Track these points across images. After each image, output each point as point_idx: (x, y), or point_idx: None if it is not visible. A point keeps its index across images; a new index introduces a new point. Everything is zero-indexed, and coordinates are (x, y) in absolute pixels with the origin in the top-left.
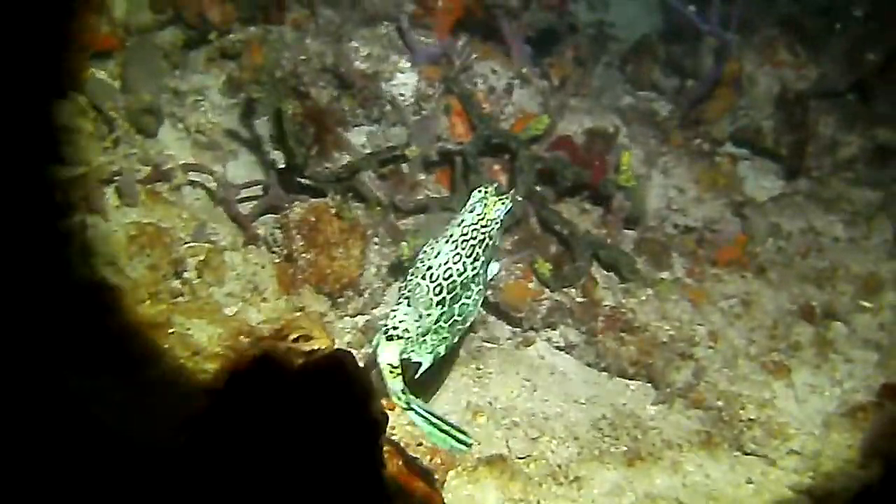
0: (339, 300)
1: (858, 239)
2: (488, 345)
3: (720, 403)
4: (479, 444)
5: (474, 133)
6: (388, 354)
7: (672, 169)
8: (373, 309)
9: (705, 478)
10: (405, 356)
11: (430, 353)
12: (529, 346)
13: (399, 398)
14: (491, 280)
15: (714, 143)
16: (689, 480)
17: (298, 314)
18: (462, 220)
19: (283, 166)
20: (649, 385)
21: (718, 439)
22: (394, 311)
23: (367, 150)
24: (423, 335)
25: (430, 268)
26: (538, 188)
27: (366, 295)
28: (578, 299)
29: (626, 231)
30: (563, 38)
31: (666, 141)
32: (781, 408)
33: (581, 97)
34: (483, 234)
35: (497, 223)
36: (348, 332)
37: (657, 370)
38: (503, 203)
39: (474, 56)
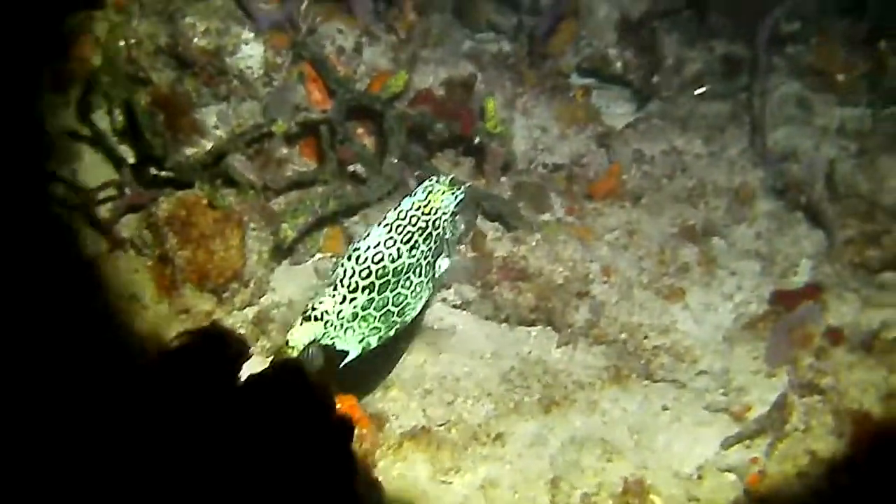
0: (225, 294)
1: (718, 153)
2: None
3: (623, 336)
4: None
5: (335, 98)
6: (298, 333)
7: (532, 109)
8: (260, 298)
9: (623, 412)
10: (328, 342)
11: (360, 342)
12: (426, 309)
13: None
14: (439, 276)
15: (564, 77)
16: (608, 417)
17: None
18: (400, 205)
19: (136, 160)
20: (550, 329)
21: (627, 371)
22: (317, 293)
23: (219, 130)
24: (349, 321)
25: (356, 249)
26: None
27: (252, 285)
28: (469, 254)
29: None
30: None
31: (521, 82)
32: (683, 331)
33: (429, 47)
34: (425, 222)
35: (445, 214)
36: (240, 327)
37: (557, 313)
38: (452, 193)
39: (318, 18)
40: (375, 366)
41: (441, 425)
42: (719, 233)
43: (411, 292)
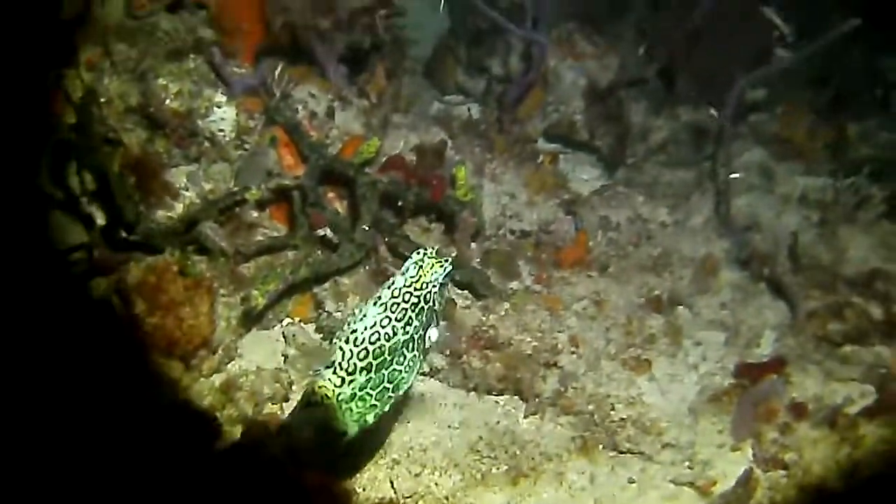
0: (193, 361)
1: (682, 221)
2: None
3: (591, 407)
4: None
5: (308, 164)
6: (305, 416)
7: (501, 175)
8: (228, 364)
9: (590, 483)
10: (326, 423)
11: (356, 420)
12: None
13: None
14: (429, 347)
15: (532, 143)
16: (575, 488)
17: None
18: (393, 282)
19: (106, 223)
20: (518, 398)
21: (594, 443)
22: (316, 374)
23: (189, 192)
24: (347, 402)
25: (354, 331)
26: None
27: (220, 351)
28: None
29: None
30: (371, 52)
31: (490, 148)
32: (649, 402)
33: (401, 112)
34: (417, 297)
35: (435, 287)
36: (207, 394)
37: (525, 383)
38: (441, 266)
39: (292, 83)
40: None
41: (408, 497)
42: (684, 302)
43: (405, 367)
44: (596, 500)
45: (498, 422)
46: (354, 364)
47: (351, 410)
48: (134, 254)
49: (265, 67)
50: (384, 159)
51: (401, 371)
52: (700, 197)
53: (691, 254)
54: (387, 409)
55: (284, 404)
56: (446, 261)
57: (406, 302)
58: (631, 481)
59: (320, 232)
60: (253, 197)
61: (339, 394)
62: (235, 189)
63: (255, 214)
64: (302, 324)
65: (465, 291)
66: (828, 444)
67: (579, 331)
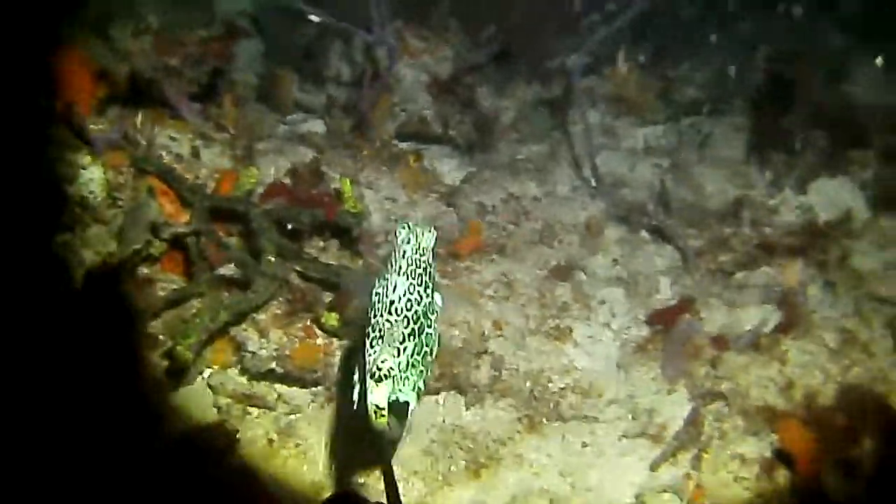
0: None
1: (552, 192)
2: (294, 416)
3: (528, 384)
4: None
5: (194, 207)
6: (378, 396)
7: (377, 182)
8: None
9: (549, 458)
10: (394, 396)
11: (413, 389)
12: (332, 400)
13: (379, 441)
14: (438, 310)
15: (395, 146)
16: (537, 466)
17: None
18: (404, 252)
19: None
20: (456, 392)
21: (539, 418)
22: (371, 353)
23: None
24: (404, 371)
25: (392, 302)
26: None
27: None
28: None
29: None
30: (216, 83)
31: (358, 157)
32: (581, 367)
33: (264, 139)
34: (423, 262)
35: (430, 252)
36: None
37: (461, 377)
38: (431, 232)
39: (155, 129)
40: (298, 471)
41: None
42: (580, 266)
43: (433, 329)
44: (560, 471)
45: (444, 420)
46: (402, 333)
47: (408, 379)
48: None
49: (125, 120)
50: (261, 188)
51: (431, 334)
52: (558, 166)
53: (572, 220)
54: (429, 373)
55: (237, 453)
56: (431, 228)
57: (419, 267)
58: (584, 445)
59: (222, 271)
60: (158, 250)
61: (399, 363)
62: (137, 247)
63: (146, 270)
64: (225, 370)
65: None
66: (757, 366)
67: (499, 314)
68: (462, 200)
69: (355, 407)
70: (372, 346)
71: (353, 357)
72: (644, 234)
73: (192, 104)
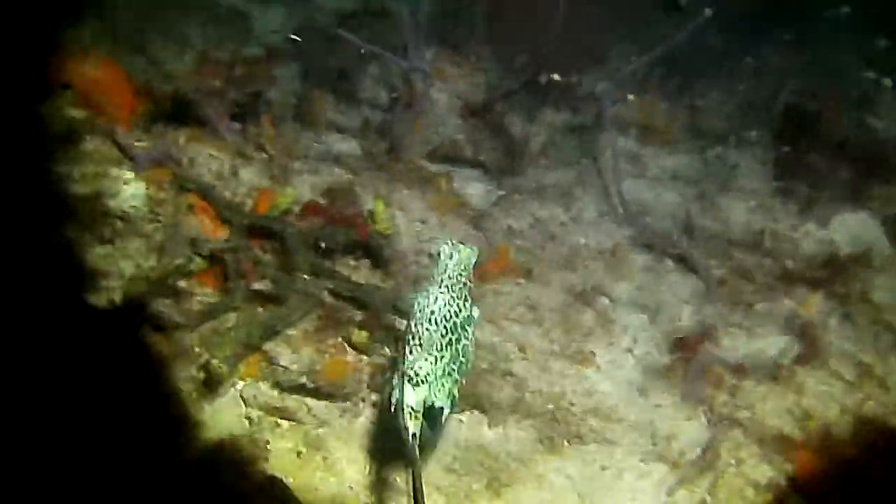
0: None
1: (577, 217)
2: (322, 430)
3: (550, 406)
4: None
5: (231, 225)
6: (414, 399)
7: (408, 204)
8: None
9: (567, 479)
10: (429, 402)
11: (447, 396)
12: (360, 416)
13: (413, 440)
14: (475, 323)
15: (425, 168)
16: (556, 487)
17: None
18: (445, 266)
19: None
20: (479, 412)
21: (560, 439)
22: (409, 359)
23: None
24: (440, 378)
25: (433, 312)
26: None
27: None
28: (393, 354)
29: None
30: (256, 103)
31: (391, 179)
32: (601, 391)
33: (300, 159)
34: (463, 278)
35: (470, 269)
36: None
37: (484, 396)
38: (472, 250)
39: (197, 147)
40: (325, 483)
41: None
42: (604, 292)
43: (470, 341)
44: (578, 493)
45: (466, 439)
46: (439, 342)
47: (443, 386)
48: None
49: (167, 138)
50: (298, 207)
51: (469, 345)
52: (584, 192)
53: (597, 245)
54: (464, 381)
55: (265, 464)
56: (473, 247)
57: (459, 282)
58: (604, 468)
59: (257, 287)
60: (199, 266)
61: (434, 370)
62: (179, 261)
63: (184, 284)
64: (257, 383)
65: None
66: (775, 395)
67: (524, 337)
68: (490, 224)
69: (392, 410)
70: (411, 353)
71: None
72: (668, 261)
73: (232, 124)
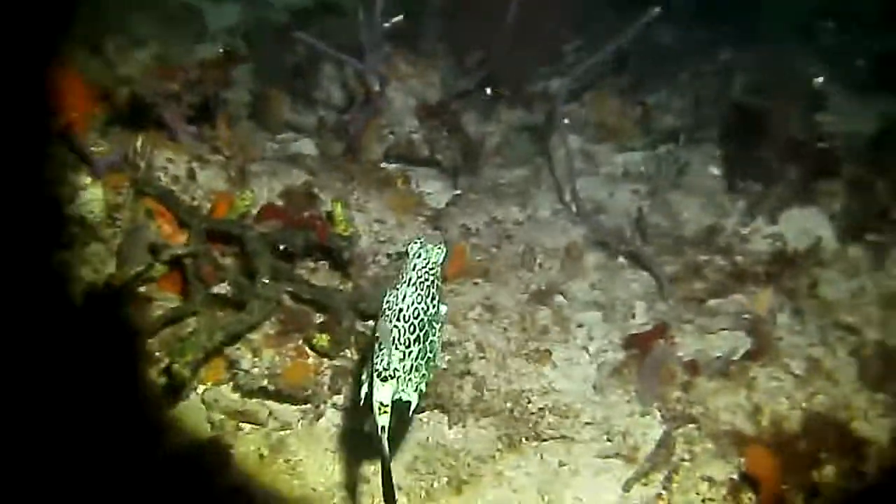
0: None
1: (533, 216)
2: (283, 432)
3: (508, 405)
4: None
5: (191, 230)
6: (383, 394)
7: (365, 204)
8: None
9: (527, 476)
10: (396, 396)
11: (415, 391)
12: (321, 418)
13: (382, 434)
14: (443, 320)
15: (382, 168)
16: (516, 484)
17: None
18: (415, 265)
19: None
20: (439, 412)
21: (519, 437)
22: (379, 355)
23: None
24: (409, 373)
25: (401, 310)
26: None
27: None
28: (355, 356)
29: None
30: (212, 106)
31: (349, 179)
32: (559, 388)
33: (257, 160)
34: (431, 276)
35: (438, 266)
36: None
37: (444, 396)
38: (440, 248)
39: (154, 152)
40: (288, 485)
41: None
42: (560, 290)
43: (437, 337)
44: (538, 489)
45: (427, 438)
46: (408, 338)
47: (411, 381)
48: None
49: (125, 143)
50: (256, 210)
51: (435, 341)
52: (539, 191)
53: (553, 244)
54: (431, 377)
55: (224, 470)
56: (441, 245)
57: (427, 280)
58: (562, 464)
59: (217, 291)
60: (159, 272)
61: (404, 366)
62: (140, 269)
63: (143, 288)
64: (219, 387)
65: (371, 321)
66: (727, 391)
67: (482, 336)
68: (447, 223)
69: (361, 404)
70: (380, 349)
71: (361, 364)
72: (621, 259)
73: (188, 127)
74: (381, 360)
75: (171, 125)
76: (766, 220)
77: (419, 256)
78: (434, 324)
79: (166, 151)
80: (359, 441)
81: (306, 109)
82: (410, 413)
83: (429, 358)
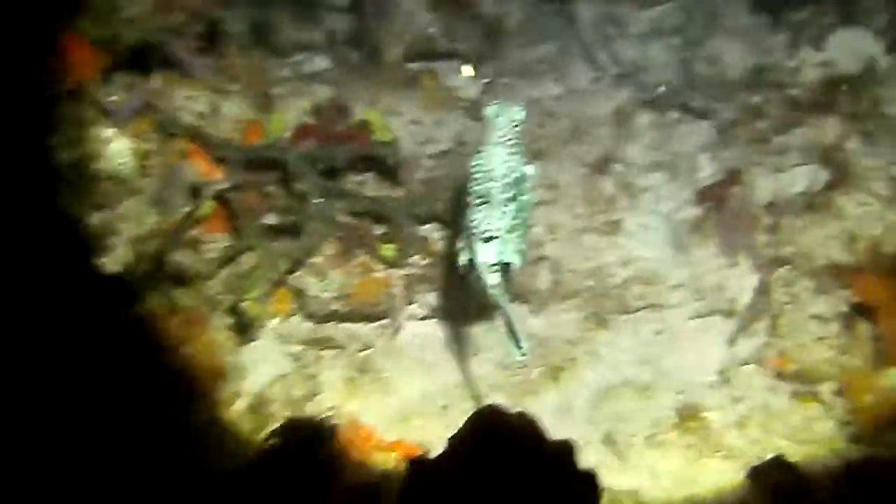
0: (217, 397)
1: (570, 87)
2: (367, 351)
3: (590, 283)
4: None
5: (228, 163)
6: (488, 254)
7: (396, 106)
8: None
9: (623, 351)
10: (500, 258)
11: (516, 251)
12: (400, 330)
13: (494, 292)
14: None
15: (403, 69)
16: (614, 360)
17: None
18: (498, 124)
19: None
20: (520, 303)
21: (607, 314)
22: (477, 217)
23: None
24: (508, 233)
25: (492, 170)
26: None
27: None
28: (422, 262)
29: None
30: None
31: (375, 85)
32: (639, 256)
33: (279, 84)
34: (515, 134)
35: (519, 125)
36: (240, 420)
37: (523, 286)
38: (518, 107)
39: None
40: (382, 403)
41: None
42: (616, 157)
43: (528, 196)
44: (639, 362)
45: None
46: (505, 197)
47: (511, 241)
48: None
49: (140, 87)
50: (289, 132)
51: (526, 200)
52: (571, 62)
53: (597, 112)
54: (527, 234)
55: (316, 397)
56: (519, 105)
57: (512, 138)
58: (658, 332)
59: (267, 221)
60: (207, 210)
61: (504, 226)
62: (188, 209)
63: (193, 232)
64: (289, 318)
65: (433, 224)
66: (816, 225)
67: (549, 218)
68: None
69: (467, 270)
70: (478, 212)
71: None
72: (674, 114)
73: (200, 59)
74: (481, 222)
75: (184, 60)
76: (812, 49)
77: (497, 116)
78: (525, 183)
79: (183, 89)
80: (442, 347)
81: (314, 26)
82: (512, 274)
83: (524, 217)
